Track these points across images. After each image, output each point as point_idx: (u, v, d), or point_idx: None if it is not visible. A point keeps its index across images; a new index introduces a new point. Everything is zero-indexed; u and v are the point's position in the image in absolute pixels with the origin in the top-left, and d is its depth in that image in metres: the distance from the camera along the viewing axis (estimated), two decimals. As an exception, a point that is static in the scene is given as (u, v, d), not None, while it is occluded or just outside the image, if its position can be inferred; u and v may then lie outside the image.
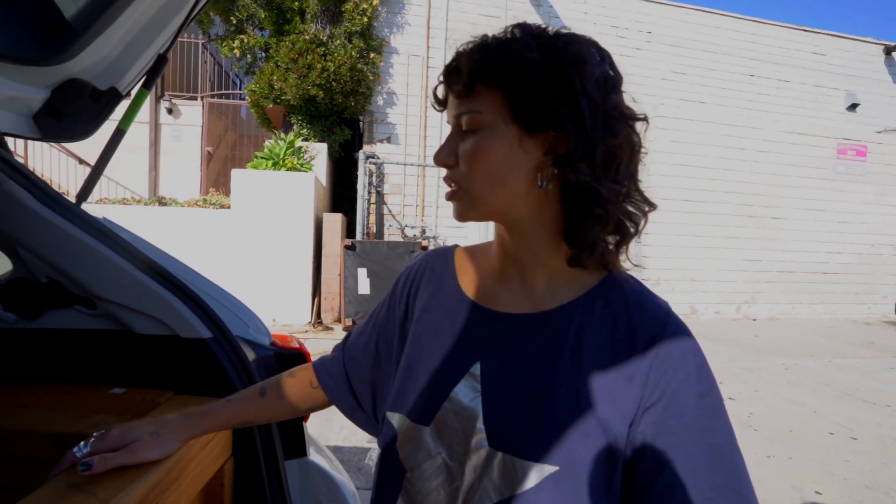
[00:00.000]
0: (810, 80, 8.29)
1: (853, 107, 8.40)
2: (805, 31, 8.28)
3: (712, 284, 6.34)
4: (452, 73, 0.51)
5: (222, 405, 0.63)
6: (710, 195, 6.27)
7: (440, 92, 0.54)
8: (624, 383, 0.49)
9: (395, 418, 0.56)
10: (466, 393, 0.52)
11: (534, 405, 0.50)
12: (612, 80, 0.50)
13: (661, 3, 7.64)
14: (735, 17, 7.99)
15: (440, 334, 0.57)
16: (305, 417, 1.01)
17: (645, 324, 0.51)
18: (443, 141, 0.54)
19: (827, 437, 2.82)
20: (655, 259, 6.08)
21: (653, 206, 0.52)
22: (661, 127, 6.02)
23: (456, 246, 0.65)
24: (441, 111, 0.55)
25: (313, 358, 0.81)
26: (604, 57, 0.50)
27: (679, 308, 6.18)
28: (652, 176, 6.07)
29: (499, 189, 0.50)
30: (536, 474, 0.47)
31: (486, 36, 0.51)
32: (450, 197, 0.53)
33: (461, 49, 0.51)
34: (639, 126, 0.52)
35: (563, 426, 0.48)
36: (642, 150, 0.52)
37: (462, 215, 0.53)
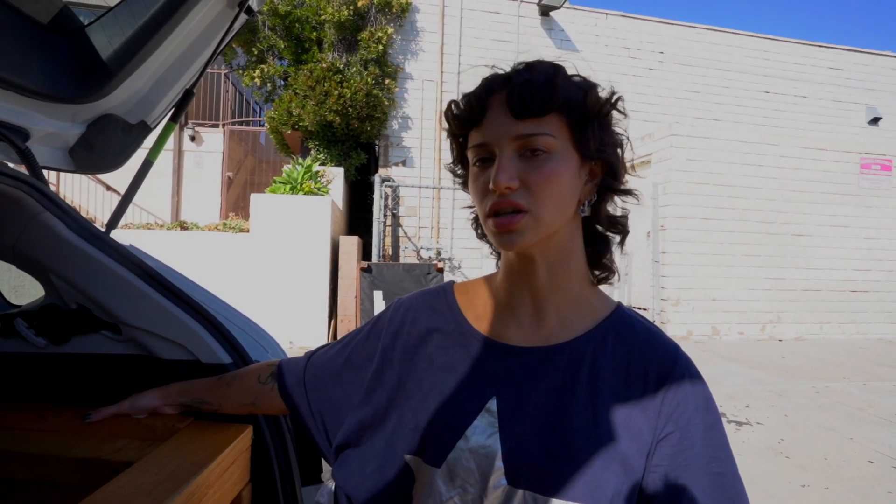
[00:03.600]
0: (828, 96, 8.20)
1: (875, 121, 8.25)
2: (821, 46, 8.23)
3: (734, 304, 6.18)
4: (528, 92, 0.48)
5: (182, 381, 0.76)
6: (728, 213, 6.16)
7: (465, 106, 0.52)
8: (639, 415, 0.49)
9: (412, 461, 0.53)
10: (484, 430, 0.50)
11: (554, 440, 0.49)
12: None
13: (673, 24, 7.71)
14: (748, 34, 7.99)
15: (448, 370, 0.55)
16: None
17: (657, 357, 0.52)
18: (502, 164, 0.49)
19: (866, 465, 2.68)
20: (674, 279, 5.97)
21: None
22: (677, 146, 5.99)
23: (452, 282, 0.65)
24: (461, 131, 0.53)
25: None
26: None
27: (701, 329, 6.02)
28: (669, 195, 6.01)
29: (562, 214, 0.51)
30: None
31: (529, 64, 0.52)
32: (510, 223, 0.49)
33: (520, 69, 0.51)
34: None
35: (585, 460, 0.47)
36: None
37: (521, 243, 0.49)
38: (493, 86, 0.51)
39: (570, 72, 0.53)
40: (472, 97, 0.52)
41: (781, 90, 8.01)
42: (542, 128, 0.49)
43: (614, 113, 0.54)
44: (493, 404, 0.51)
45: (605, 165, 0.53)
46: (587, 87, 0.52)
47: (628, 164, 0.56)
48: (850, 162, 6.59)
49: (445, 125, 0.55)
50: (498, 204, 0.49)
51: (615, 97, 0.53)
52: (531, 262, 0.53)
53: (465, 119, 0.52)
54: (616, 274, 0.58)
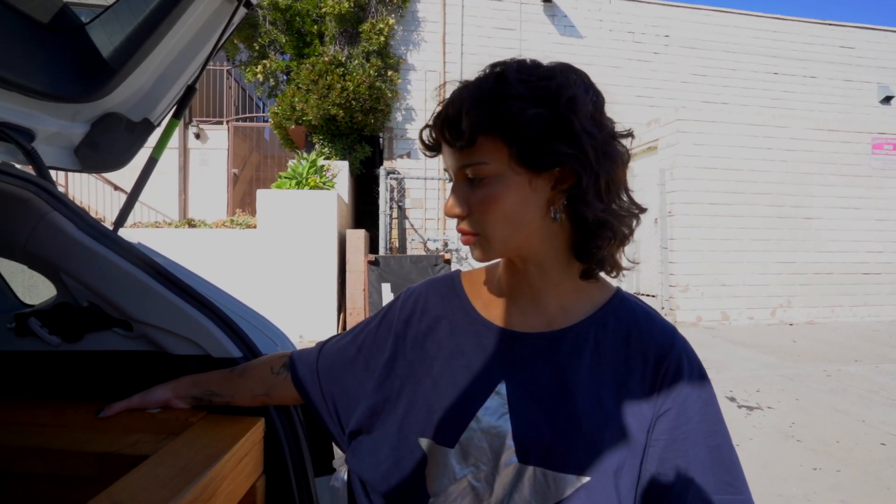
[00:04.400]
0: (839, 75, 8.03)
1: (887, 99, 8.09)
2: (830, 24, 8.05)
3: (744, 289, 6.12)
4: (451, 129, 0.51)
5: (193, 375, 0.77)
6: (737, 197, 6.09)
7: (428, 137, 0.55)
8: (640, 393, 0.52)
9: (423, 444, 0.55)
10: (494, 411, 0.53)
11: (560, 419, 0.51)
12: (599, 107, 0.51)
13: (678, 6, 7.57)
14: (756, 15, 7.84)
15: (458, 356, 0.58)
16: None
17: (655, 338, 0.54)
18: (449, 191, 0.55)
19: (878, 448, 2.67)
20: (683, 265, 5.92)
21: (643, 210, 0.55)
22: (683, 130, 5.90)
23: (459, 271, 0.67)
24: (432, 156, 0.57)
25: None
26: (587, 87, 0.51)
27: (710, 315, 5.98)
28: (676, 180, 5.94)
29: (516, 230, 0.52)
30: (570, 486, 0.49)
31: (470, 84, 0.51)
32: (467, 243, 0.54)
33: (451, 97, 0.52)
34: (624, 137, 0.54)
35: (591, 438, 0.50)
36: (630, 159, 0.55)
37: (484, 258, 0.54)
38: (437, 119, 0.53)
39: (533, 65, 0.50)
40: (429, 129, 0.55)
41: (790, 71, 7.86)
42: (473, 157, 0.50)
43: (586, 109, 0.49)
44: (502, 388, 0.54)
45: (572, 169, 0.50)
46: (530, 94, 0.48)
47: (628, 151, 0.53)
48: (861, 142, 6.47)
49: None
50: (457, 227, 0.55)
51: (567, 95, 0.48)
52: (521, 263, 0.56)
53: (429, 149, 0.56)
54: (616, 269, 0.55)
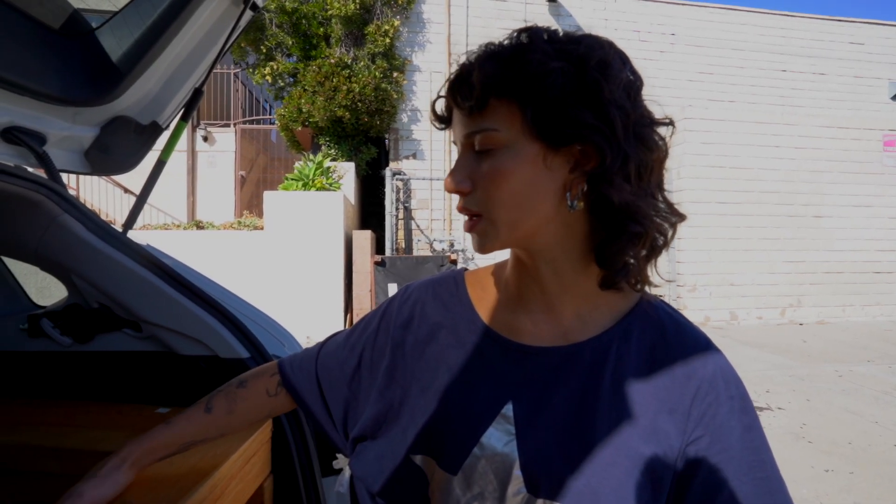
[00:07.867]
0: (848, 72, 7.94)
1: (898, 96, 7.98)
2: (840, 20, 7.96)
3: (753, 289, 6.07)
4: (461, 87, 0.45)
5: (162, 431, 0.59)
6: (745, 196, 6.03)
7: (441, 108, 0.49)
8: (666, 417, 0.45)
9: (422, 462, 0.50)
10: (500, 437, 0.47)
11: (575, 447, 0.45)
12: (636, 86, 0.46)
13: (684, 4, 7.52)
14: (763, 12, 7.77)
15: (460, 371, 0.51)
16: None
17: (685, 353, 0.48)
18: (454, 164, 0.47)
19: (892, 449, 2.63)
20: (690, 265, 5.88)
21: (681, 217, 0.47)
22: (690, 129, 5.86)
23: (465, 269, 0.60)
24: (443, 129, 0.50)
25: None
26: (624, 60, 0.46)
27: (719, 314, 5.94)
28: (683, 179, 5.90)
29: (525, 214, 0.45)
30: None
31: (492, 44, 0.45)
32: (470, 228, 0.47)
33: (468, 60, 0.45)
34: (663, 131, 0.47)
35: (607, 467, 0.44)
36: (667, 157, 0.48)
37: (486, 247, 0.47)
38: (449, 81, 0.47)
39: (556, 35, 0.45)
40: (439, 95, 0.49)
41: (799, 68, 7.78)
42: (482, 123, 0.44)
43: (620, 78, 0.43)
44: (508, 409, 0.48)
45: (597, 150, 0.43)
46: (553, 59, 0.42)
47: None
48: (872, 140, 6.39)
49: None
50: (458, 206, 0.48)
51: (599, 58, 0.43)
52: (531, 259, 0.49)
53: (440, 120, 0.50)
54: (644, 282, 0.48)
